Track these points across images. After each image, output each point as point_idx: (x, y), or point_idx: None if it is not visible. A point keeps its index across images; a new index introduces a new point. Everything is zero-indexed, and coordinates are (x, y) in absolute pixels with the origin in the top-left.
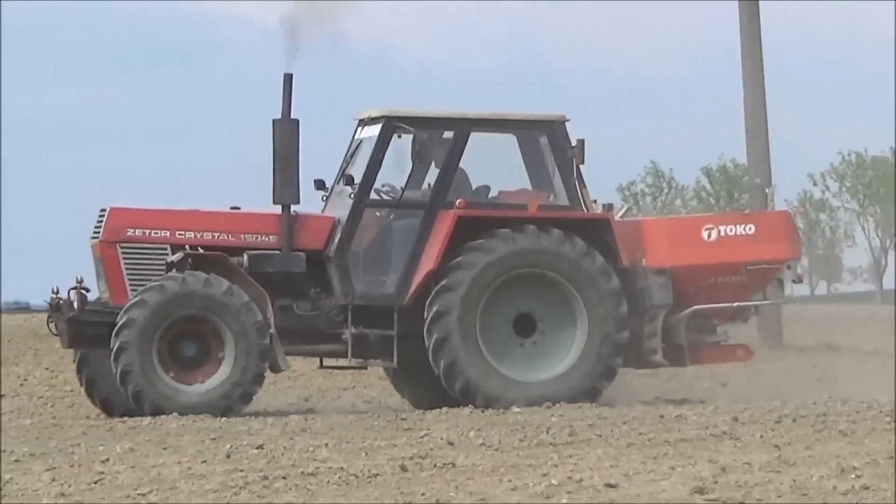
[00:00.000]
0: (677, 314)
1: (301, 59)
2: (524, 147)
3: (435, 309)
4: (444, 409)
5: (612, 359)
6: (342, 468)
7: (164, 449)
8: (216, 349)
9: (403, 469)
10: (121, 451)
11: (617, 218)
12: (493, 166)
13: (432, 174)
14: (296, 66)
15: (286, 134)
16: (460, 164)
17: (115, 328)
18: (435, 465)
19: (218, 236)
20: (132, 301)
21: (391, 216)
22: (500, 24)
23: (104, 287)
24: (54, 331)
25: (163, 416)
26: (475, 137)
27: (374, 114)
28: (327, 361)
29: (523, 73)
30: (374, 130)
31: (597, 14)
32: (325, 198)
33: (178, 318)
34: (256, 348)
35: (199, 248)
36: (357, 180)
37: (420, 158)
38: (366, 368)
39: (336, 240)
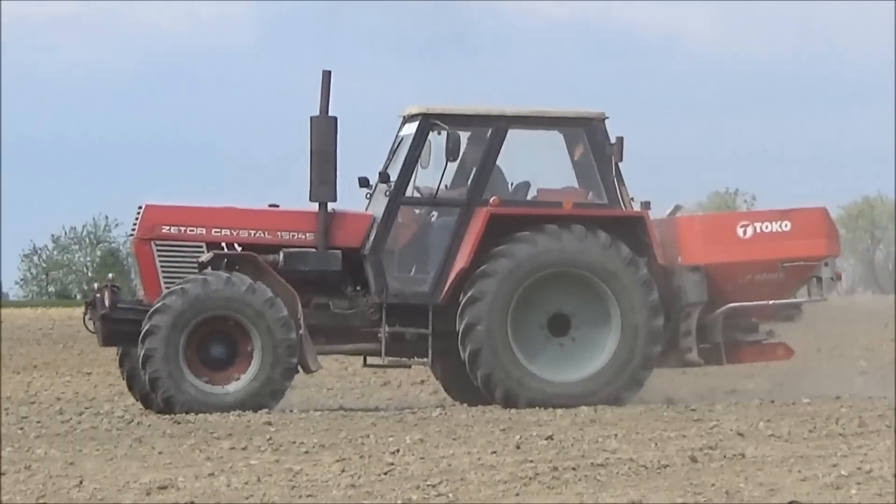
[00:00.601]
0: (713, 312)
1: None
2: (569, 144)
3: (469, 295)
4: (734, 401)
5: (640, 371)
6: (632, 459)
7: (454, 440)
8: (245, 348)
9: (693, 460)
10: (410, 442)
11: (666, 215)
12: (541, 163)
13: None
14: None
15: (323, 131)
16: (502, 161)
17: (141, 335)
18: (724, 456)
19: (254, 234)
20: (155, 306)
21: (429, 214)
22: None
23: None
24: (91, 328)
25: (454, 407)
26: (523, 134)
27: (413, 111)
28: (371, 360)
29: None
30: (413, 128)
31: None
32: (368, 195)
33: (203, 320)
34: (283, 344)
35: (235, 246)
36: (394, 178)
37: (452, 156)
38: (409, 367)
39: (371, 238)
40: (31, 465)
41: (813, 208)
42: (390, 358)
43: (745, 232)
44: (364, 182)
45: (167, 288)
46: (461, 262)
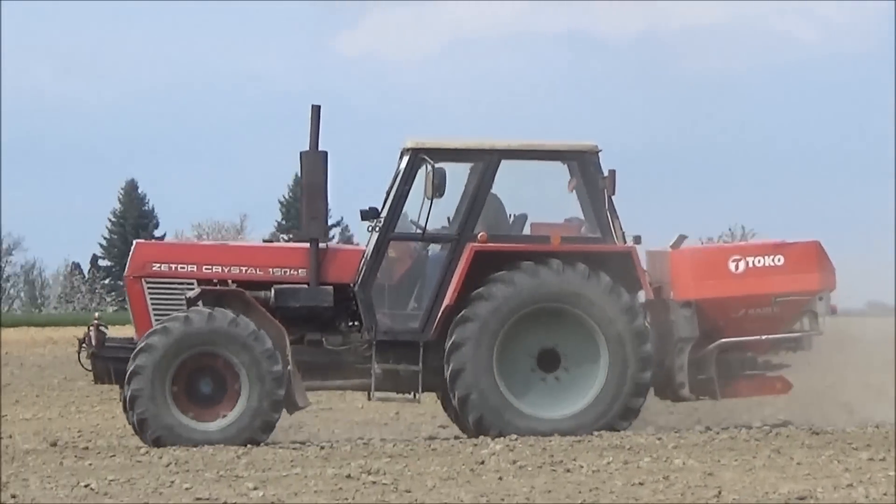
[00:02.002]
0: (707, 347)
1: None
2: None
3: (451, 341)
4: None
5: (633, 399)
6: None
7: None
8: (232, 383)
9: None
10: None
11: (668, 247)
12: (548, 194)
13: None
14: None
15: (313, 166)
16: (506, 194)
17: (126, 375)
18: None
19: (246, 270)
20: (139, 346)
21: (423, 249)
22: None
23: None
24: (85, 366)
25: None
26: (530, 166)
27: (408, 144)
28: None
29: None
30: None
31: None
32: (370, 228)
33: (188, 357)
34: (269, 376)
35: (229, 283)
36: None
37: (437, 192)
38: (418, 402)
39: (361, 273)
40: (669, 475)
41: (806, 242)
42: (380, 394)
43: (737, 266)
44: (369, 214)
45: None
46: (447, 299)
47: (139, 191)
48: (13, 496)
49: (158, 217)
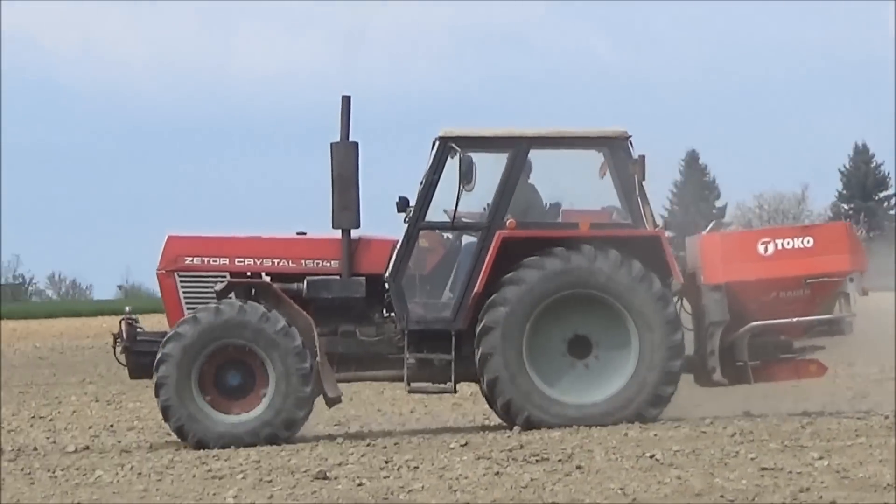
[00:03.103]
0: (738, 331)
1: None
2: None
3: (482, 325)
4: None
5: (663, 387)
6: None
7: None
8: (261, 377)
9: None
10: None
11: (705, 233)
12: (584, 182)
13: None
14: None
15: (344, 157)
16: (543, 182)
17: (155, 363)
18: None
19: (278, 263)
20: (168, 334)
21: (455, 239)
22: None
23: None
24: (121, 361)
25: None
26: (566, 154)
27: (438, 134)
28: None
29: None
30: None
31: None
32: (406, 218)
33: (217, 349)
34: (296, 373)
35: (262, 275)
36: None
37: (465, 180)
38: (455, 392)
39: (392, 263)
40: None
41: (836, 223)
42: (415, 384)
43: (766, 249)
44: (403, 204)
45: None
46: (476, 286)
47: (700, 161)
48: (578, 466)
49: (719, 188)
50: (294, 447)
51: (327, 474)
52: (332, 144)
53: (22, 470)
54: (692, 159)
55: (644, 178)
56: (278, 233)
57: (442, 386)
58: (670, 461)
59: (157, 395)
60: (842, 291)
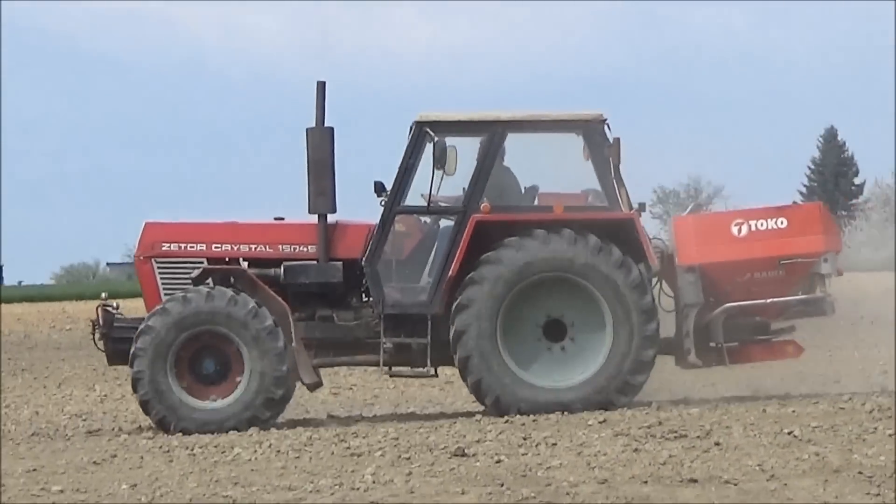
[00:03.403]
0: (713, 313)
1: None
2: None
3: (457, 303)
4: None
5: (633, 375)
6: None
7: None
8: (236, 362)
9: None
10: None
11: (685, 214)
12: (562, 165)
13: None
14: None
15: (320, 142)
16: (520, 165)
17: (129, 357)
18: None
19: (255, 248)
20: (140, 328)
21: (432, 224)
22: None
23: None
24: (101, 348)
25: None
26: (545, 138)
27: (416, 118)
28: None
29: None
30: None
31: None
32: (382, 203)
33: (190, 336)
34: (271, 352)
35: (239, 261)
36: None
37: (439, 164)
38: (436, 375)
39: (367, 248)
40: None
41: (809, 204)
42: (395, 369)
43: (739, 230)
44: (380, 188)
45: None
46: (449, 270)
47: (838, 137)
48: (717, 442)
49: (858, 164)
50: (432, 424)
51: (466, 451)
52: (307, 130)
53: (160, 448)
54: (830, 135)
55: (619, 161)
56: (257, 218)
57: (421, 370)
58: (808, 437)
59: (134, 391)
60: (816, 272)
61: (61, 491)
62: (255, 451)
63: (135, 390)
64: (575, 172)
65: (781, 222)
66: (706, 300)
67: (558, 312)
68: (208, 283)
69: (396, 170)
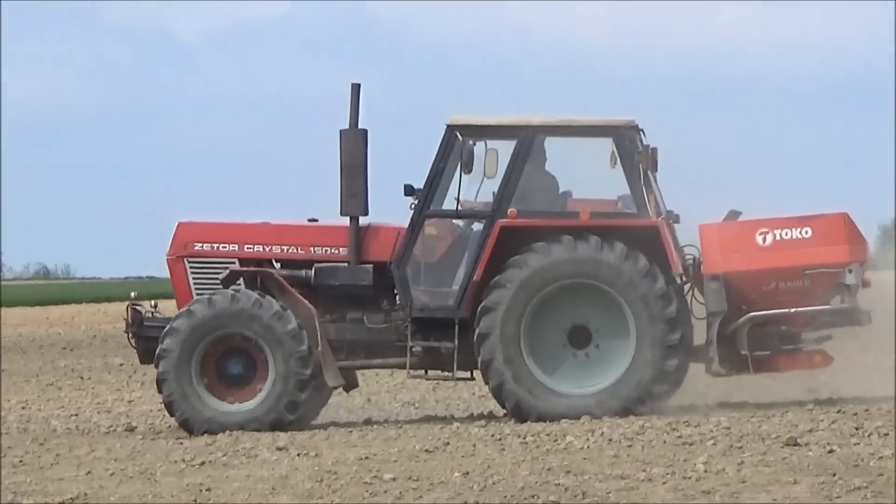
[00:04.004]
0: (737, 322)
1: None
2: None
3: (482, 305)
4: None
5: (654, 385)
6: None
7: None
8: (261, 364)
9: None
10: None
11: (711, 222)
12: (597, 171)
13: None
14: None
15: (352, 144)
16: (560, 170)
17: (155, 359)
18: None
19: (287, 249)
20: (166, 329)
21: (465, 227)
22: None
23: None
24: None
25: None
26: (581, 143)
27: (448, 121)
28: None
29: None
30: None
31: None
32: (412, 205)
33: (217, 339)
34: (294, 355)
35: (272, 262)
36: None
37: (466, 168)
38: (473, 379)
39: (395, 250)
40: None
41: (834, 214)
42: (414, 372)
43: (764, 239)
44: (409, 190)
45: None
46: (475, 274)
47: None
48: None
49: None
50: (764, 413)
51: (798, 440)
52: (340, 131)
53: (492, 436)
54: None
55: (656, 170)
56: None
57: (440, 374)
58: None
59: (159, 391)
60: (841, 282)
61: (393, 479)
62: (588, 439)
63: (160, 390)
64: (613, 178)
65: (806, 232)
66: (733, 308)
67: (584, 319)
68: (238, 285)
69: (428, 173)
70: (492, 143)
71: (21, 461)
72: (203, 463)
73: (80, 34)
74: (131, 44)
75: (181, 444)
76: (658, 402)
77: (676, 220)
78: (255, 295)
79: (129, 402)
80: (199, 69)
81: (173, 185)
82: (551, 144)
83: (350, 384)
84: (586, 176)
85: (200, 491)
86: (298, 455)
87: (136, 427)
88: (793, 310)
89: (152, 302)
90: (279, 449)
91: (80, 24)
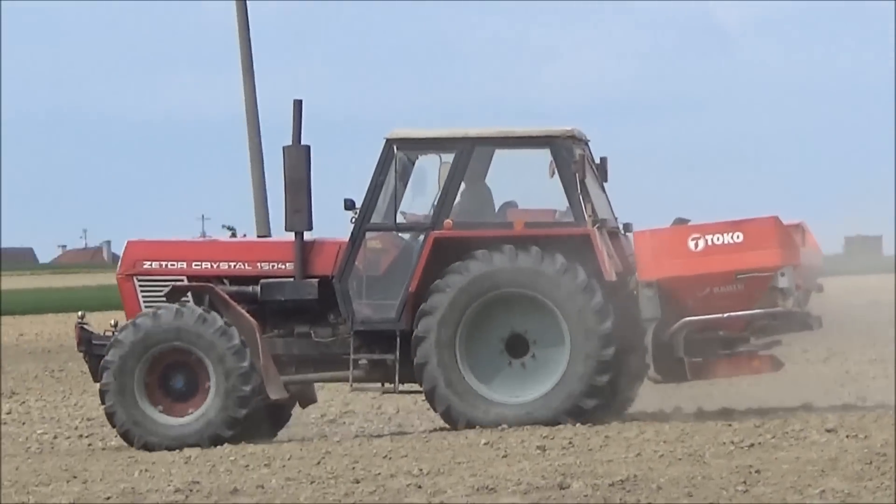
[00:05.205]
0: (672, 328)
1: None
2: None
3: (415, 334)
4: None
5: (597, 376)
6: None
7: None
8: (203, 379)
9: None
10: None
11: (644, 229)
12: (537, 183)
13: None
14: None
15: (296, 160)
16: (498, 181)
17: (99, 370)
18: None
19: (234, 266)
20: (111, 341)
21: (410, 240)
22: None
23: None
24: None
25: None
26: (521, 154)
27: (387, 135)
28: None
29: None
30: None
31: None
32: (353, 219)
33: (160, 353)
34: (235, 372)
35: (220, 279)
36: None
37: (401, 181)
38: (396, 392)
39: (337, 264)
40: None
41: (765, 218)
42: (357, 384)
43: (696, 245)
44: (350, 205)
45: None
46: (410, 287)
47: None
48: None
49: None
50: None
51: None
52: (284, 148)
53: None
54: None
55: (606, 180)
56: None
57: (380, 386)
58: None
59: (102, 402)
60: (774, 286)
61: None
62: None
63: (102, 401)
64: (551, 189)
65: (738, 237)
66: (672, 315)
67: (522, 328)
68: (187, 300)
69: (367, 187)
70: (430, 157)
71: (570, 443)
72: (752, 445)
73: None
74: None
75: (729, 426)
76: (588, 416)
77: (629, 229)
78: (199, 310)
79: None
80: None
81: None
82: (498, 156)
83: (307, 399)
84: (532, 187)
85: (750, 473)
86: (847, 437)
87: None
88: (726, 315)
89: (113, 321)
90: (828, 431)
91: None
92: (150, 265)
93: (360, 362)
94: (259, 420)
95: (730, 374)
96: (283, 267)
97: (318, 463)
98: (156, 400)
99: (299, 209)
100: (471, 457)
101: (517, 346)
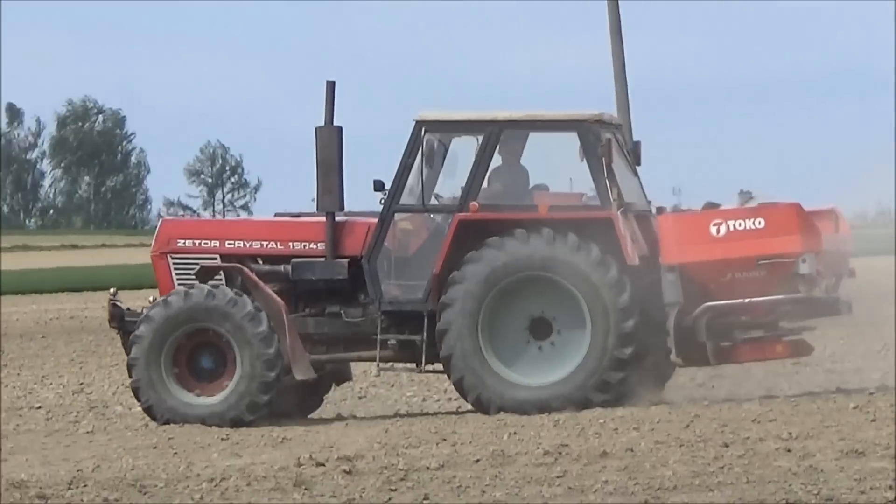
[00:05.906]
0: (694, 312)
1: None
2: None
3: (441, 301)
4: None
5: (610, 373)
6: None
7: None
8: (231, 360)
9: None
10: None
11: (668, 213)
12: (567, 165)
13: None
14: None
15: (328, 141)
16: (524, 164)
17: (128, 344)
18: None
19: (266, 245)
20: (142, 317)
21: (442, 222)
22: None
23: None
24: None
25: None
26: (554, 137)
27: (416, 117)
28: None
29: None
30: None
31: None
32: (381, 200)
33: (189, 331)
34: (261, 358)
35: (254, 258)
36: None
37: (428, 163)
38: (421, 372)
39: (366, 244)
40: None
41: (786, 204)
42: (384, 364)
43: (718, 230)
44: (379, 186)
45: None
46: (434, 267)
47: None
48: None
49: None
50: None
51: None
52: (316, 129)
53: None
54: None
55: (639, 164)
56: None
57: (406, 366)
58: None
59: (129, 376)
60: (796, 273)
61: None
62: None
63: (129, 375)
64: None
65: (759, 222)
66: (695, 299)
67: (543, 310)
68: (219, 280)
69: (397, 168)
70: (459, 139)
71: None
72: None
73: None
74: None
75: None
76: (615, 391)
77: (661, 212)
78: (231, 293)
79: None
80: None
81: None
82: (534, 139)
83: (342, 377)
84: (565, 170)
85: None
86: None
87: None
88: (748, 300)
89: (151, 297)
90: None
91: None
92: (184, 243)
93: (388, 342)
94: (287, 401)
95: (753, 358)
96: (315, 247)
97: (687, 426)
98: (182, 378)
99: (330, 190)
100: (839, 420)
101: (540, 329)
